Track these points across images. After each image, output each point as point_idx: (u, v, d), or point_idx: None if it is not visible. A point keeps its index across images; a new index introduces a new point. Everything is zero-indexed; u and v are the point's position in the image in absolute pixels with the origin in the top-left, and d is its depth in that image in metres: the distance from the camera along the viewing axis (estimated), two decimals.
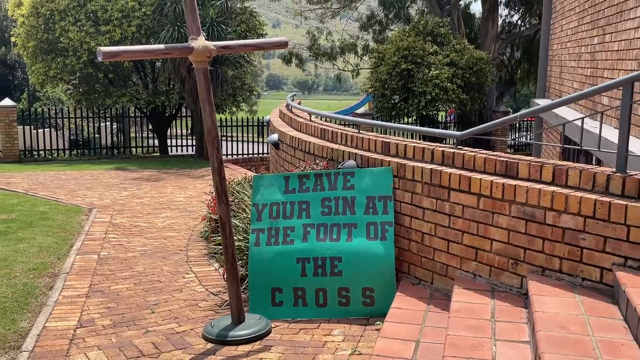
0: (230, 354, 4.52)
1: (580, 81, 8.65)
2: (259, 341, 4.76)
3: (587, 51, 8.28)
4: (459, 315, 4.17)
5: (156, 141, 22.01)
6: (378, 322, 4.80)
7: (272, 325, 4.94)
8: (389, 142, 5.83)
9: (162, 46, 5.30)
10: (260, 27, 19.57)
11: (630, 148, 4.17)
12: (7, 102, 17.91)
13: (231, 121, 21.23)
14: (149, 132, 22.79)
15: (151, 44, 15.48)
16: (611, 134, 5.36)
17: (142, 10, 17.19)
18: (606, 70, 7.19)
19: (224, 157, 5.75)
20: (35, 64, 18.90)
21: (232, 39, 14.53)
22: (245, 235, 6.12)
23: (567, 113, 8.12)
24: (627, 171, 4.13)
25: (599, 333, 3.45)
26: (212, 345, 4.66)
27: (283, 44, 5.75)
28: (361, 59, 24.71)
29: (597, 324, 3.57)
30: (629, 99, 4.07)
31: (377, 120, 16.03)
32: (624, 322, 3.55)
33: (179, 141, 22.13)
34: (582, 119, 6.27)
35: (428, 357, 3.92)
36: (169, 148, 21.48)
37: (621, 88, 4.14)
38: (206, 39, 4.74)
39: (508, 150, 18.33)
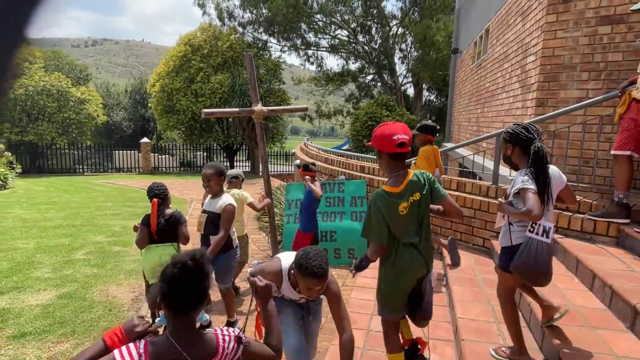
0: None
1: (470, 134, 8.71)
2: None
3: (474, 117, 8.35)
4: None
5: (227, 163, 22.03)
6: None
7: None
8: (364, 165, 5.87)
9: (237, 109, 5.35)
10: (288, 99, 19.64)
11: (499, 172, 4.22)
12: (145, 140, 18.05)
13: (271, 153, 21.42)
14: (224, 158, 22.80)
15: (227, 108, 15.54)
16: (489, 163, 5.43)
17: (222, 89, 17.30)
18: (485, 128, 7.26)
19: None
20: (161, 119, 19.00)
21: (272, 106, 14.62)
22: (280, 217, 6.14)
23: (463, 152, 8.17)
24: (498, 184, 4.18)
25: (482, 274, 3.48)
26: None
27: (304, 109, 5.81)
28: (345, 118, 24.76)
29: (481, 270, 3.60)
30: (499, 144, 4.13)
31: (355, 153, 16.17)
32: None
33: (241, 163, 22.18)
34: (473, 155, 6.31)
35: None
36: (235, 167, 21.52)
37: (494, 138, 4.20)
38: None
39: None
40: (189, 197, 10.38)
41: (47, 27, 0.40)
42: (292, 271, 2.04)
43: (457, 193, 4.35)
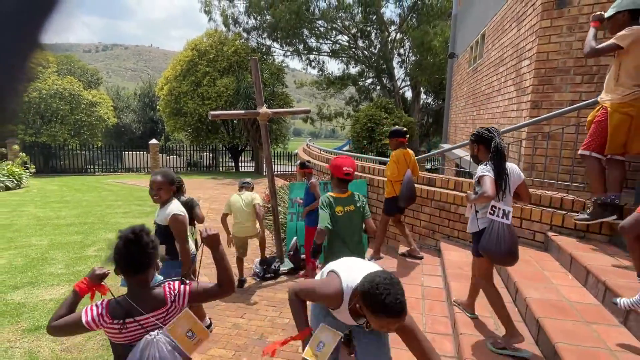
0: (278, 278, 4.54)
1: (466, 135, 8.67)
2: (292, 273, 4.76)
3: (470, 119, 8.31)
4: (402, 260, 4.19)
5: (232, 163, 22.02)
6: None
7: None
8: (365, 165, 5.85)
9: (243, 111, 5.36)
10: (290, 102, 19.61)
11: None
12: (154, 141, 17.91)
13: (274, 153, 21.29)
14: (229, 158, 22.78)
15: (232, 110, 15.52)
16: None
17: (228, 92, 17.28)
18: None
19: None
20: (169, 121, 18.99)
21: (275, 109, 14.61)
22: (284, 215, 6.13)
23: (459, 152, 8.15)
24: None
25: None
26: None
27: (307, 112, 5.80)
28: (346, 120, 24.68)
29: None
30: None
31: (355, 154, 16.10)
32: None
33: (245, 163, 22.17)
34: (470, 155, 6.26)
35: None
36: (240, 167, 21.51)
37: None
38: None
39: (426, 171, 18.34)
40: (195, 195, 10.38)
41: (60, 32, 0.39)
42: (358, 304, 1.58)
43: (454, 192, 4.33)
